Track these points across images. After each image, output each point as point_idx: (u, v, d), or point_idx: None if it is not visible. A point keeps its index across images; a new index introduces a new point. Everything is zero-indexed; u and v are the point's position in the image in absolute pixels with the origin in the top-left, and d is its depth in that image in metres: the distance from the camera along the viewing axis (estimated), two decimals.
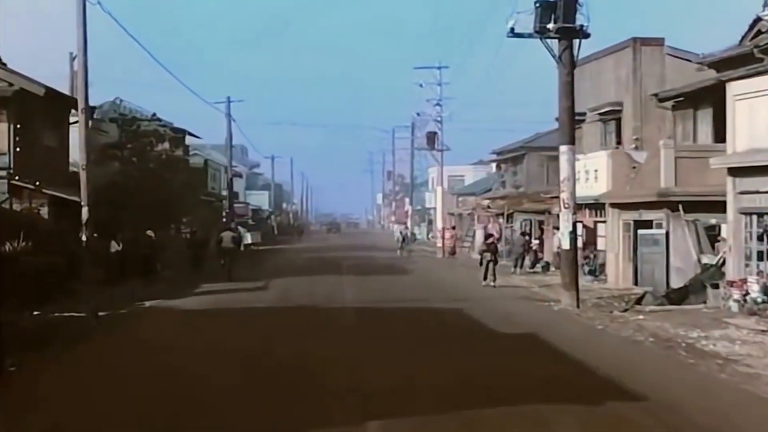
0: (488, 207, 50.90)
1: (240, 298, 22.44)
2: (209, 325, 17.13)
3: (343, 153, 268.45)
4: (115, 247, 27.41)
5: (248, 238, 44.62)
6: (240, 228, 45.66)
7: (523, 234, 34.97)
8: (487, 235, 27.79)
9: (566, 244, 20.77)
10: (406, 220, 50.24)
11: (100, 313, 18.78)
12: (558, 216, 36.09)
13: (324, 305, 20.62)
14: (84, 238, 19.01)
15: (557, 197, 36.31)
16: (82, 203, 19.54)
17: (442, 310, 19.44)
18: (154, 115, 41.24)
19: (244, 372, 11.65)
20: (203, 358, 12.86)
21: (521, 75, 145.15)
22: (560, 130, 21.09)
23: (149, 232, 27.72)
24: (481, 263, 26.24)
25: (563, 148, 20.76)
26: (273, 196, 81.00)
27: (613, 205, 27.88)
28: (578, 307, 20.36)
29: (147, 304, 21.04)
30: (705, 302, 20.15)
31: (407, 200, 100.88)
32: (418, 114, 46.64)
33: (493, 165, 59.52)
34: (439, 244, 46.61)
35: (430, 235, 68.37)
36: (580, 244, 30.88)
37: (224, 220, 57.10)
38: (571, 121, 20.85)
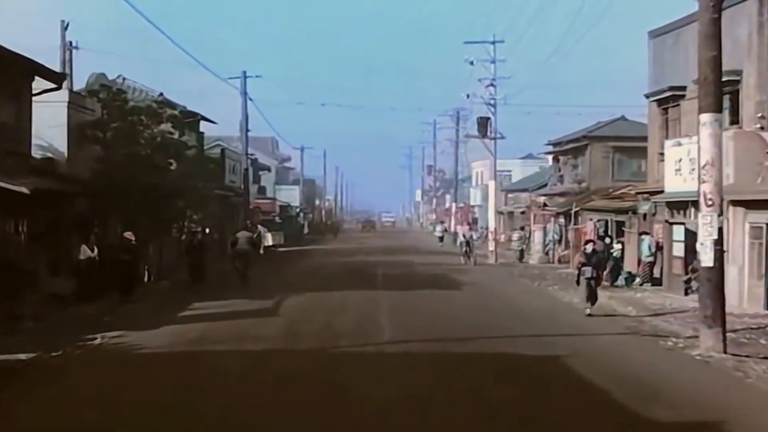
0: (545, 205, 44.20)
1: (234, 328, 16.02)
2: (152, 396, 10.56)
3: (380, 147, 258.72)
4: (87, 252, 21.33)
5: (269, 239, 38.35)
6: (260, 227, 39.47)
7: (601, 237, 28.10)
8: (588, 242, 19.93)
9: (709, 260, 14.03)
10: (470, 221, 41.25)
11: (21, 357, 12.68)
12: (645, 217, 29.42)
13: (349, 347, 14.08)
14: None
15: (645, 193, 29.60)
16: None
17: (530, 360, 12.78)
18: (161, 95, 35.53)
19: None
20: None
21: (586, 55, 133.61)
22: (702, 92, 14.32)
23: (128, 234, 21.44)
24: (578, 281, 19.11)
25: (706, 118, 14.02)
26: (303, 191, 74.56)
27: (736, 203, 21.04)
28: (725, 351, 13.74)
29: (98, 339, 14.76)
30: None
31: (448, 197, 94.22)
32: (468, 96, 39.97)
33: (549, 158, 52.93)
34: (491, 248, 39.84)
35: (476, 236, 61.73)
36: (680, 252, 24.35)
37: (245, 218, 51.09)
38: (718, 78, 14.12)
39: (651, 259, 26.10)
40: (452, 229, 60.04)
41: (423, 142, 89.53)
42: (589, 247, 18.38)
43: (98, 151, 24.65)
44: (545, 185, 51.76)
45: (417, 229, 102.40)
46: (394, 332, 15.45)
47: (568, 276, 30.09)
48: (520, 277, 30.17)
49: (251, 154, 59.88)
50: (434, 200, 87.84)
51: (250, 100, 38.08)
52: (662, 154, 26.19)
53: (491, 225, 39.96)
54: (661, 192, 24.99)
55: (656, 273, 26.09)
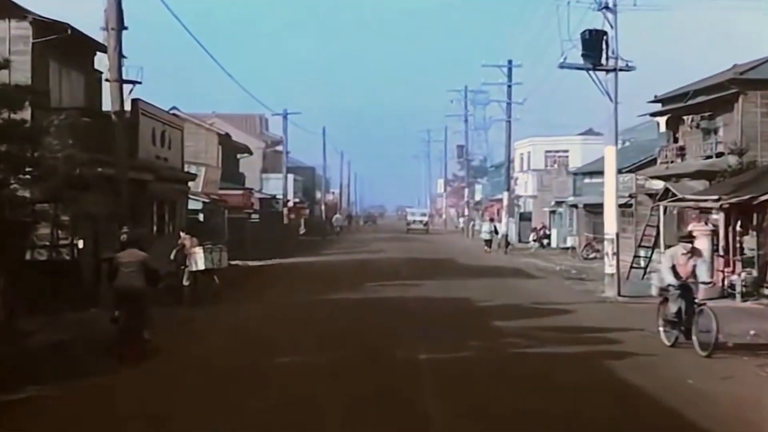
0: (668, 193, 26.81)
1: None
2: None
3: (394, 134, 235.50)
4: None
5: (199, 260, 20.31)
6: (184, 236, 21.29)
7: None
8: None
9: None
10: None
11: None
12: None
13: None
14: None
15: None
16: None
17: None
18: None
19: None
20: None
21: None
22: None
23: None
24: None
25: None
26: (288, 177, 56.17)
27: None
28: None
29: None
30: None
31: (478, 188, 75.73)
32: None
33: (659, 124, 35.09)
34: (609, 270, 21.59)
35: (532, 238, 43.70)
36: None
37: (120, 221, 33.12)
38: None
39: None
40: (503, 229, 41.99)
41: (450, 114, 70.61)
42: None
43: None
44: (649, 163, 34.25)
45: (441, 228, 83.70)
46: None
47: None
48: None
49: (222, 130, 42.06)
50: (465, 191, 69.40)
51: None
52: None
53: (611, 229, 21.71)
54: None
55: None
